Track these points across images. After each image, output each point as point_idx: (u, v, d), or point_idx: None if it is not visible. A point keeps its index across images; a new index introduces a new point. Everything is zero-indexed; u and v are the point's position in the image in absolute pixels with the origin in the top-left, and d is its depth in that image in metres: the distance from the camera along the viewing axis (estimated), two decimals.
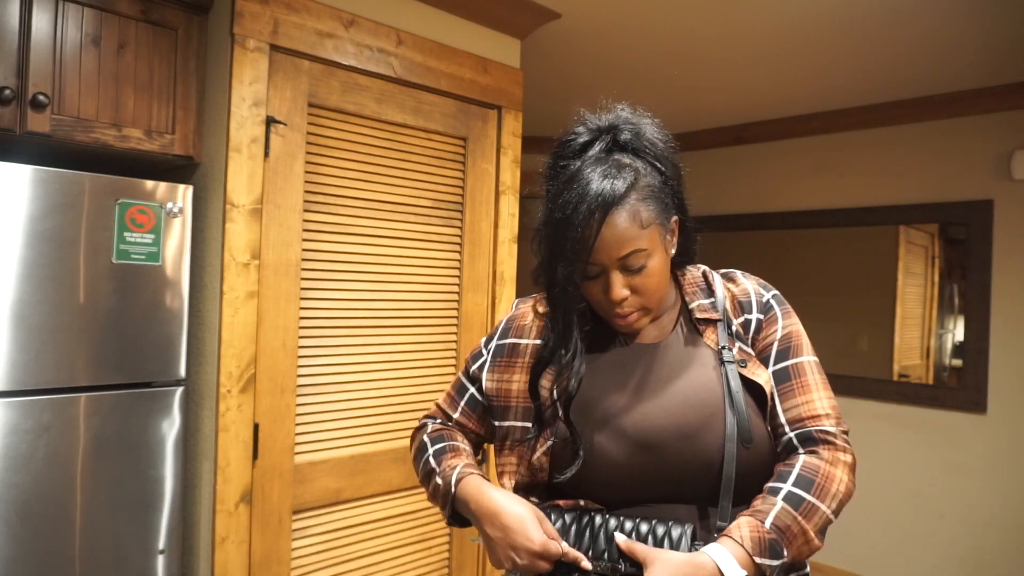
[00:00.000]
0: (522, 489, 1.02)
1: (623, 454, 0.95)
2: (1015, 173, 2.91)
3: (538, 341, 1.05)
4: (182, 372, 1.72)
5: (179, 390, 1.71)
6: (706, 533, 0.94)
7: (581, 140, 1.01)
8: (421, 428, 1.16)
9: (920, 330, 3.24)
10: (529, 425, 1.02)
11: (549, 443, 0.98)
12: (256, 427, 1.77)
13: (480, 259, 2.27)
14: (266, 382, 1.79)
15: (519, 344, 1.07)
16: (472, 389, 1.12)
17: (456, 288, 2.22)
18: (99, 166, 1.83)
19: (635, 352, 1.03)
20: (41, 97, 1.51)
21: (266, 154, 1.77)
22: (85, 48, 1.60)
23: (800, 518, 0.88)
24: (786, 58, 2.69)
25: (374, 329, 2.02)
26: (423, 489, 1.10)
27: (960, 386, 3.07)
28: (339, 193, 1.93)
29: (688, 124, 3.81)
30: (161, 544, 1.68)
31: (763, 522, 0.86)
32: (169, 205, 1.68)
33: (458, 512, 1.01)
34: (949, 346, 3.14)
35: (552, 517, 0.95)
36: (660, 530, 0.91)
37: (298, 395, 1.86)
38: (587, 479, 0.97)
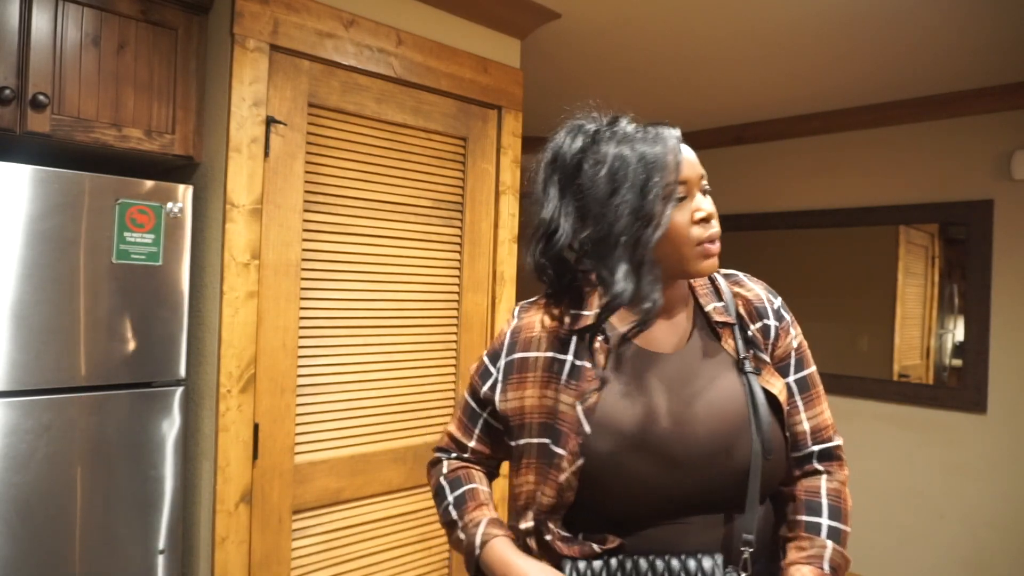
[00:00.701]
0: (545, 512, 0.97)
1: (654, 471, 0.94)
2: (1015, 173, 2.91)
3: (549, 353, 1.01)
4: (182, 372, 1.72)
5: (179, 390, 1.71)
6: (729, 543, 0.95)
7: (602, 120, 1.02)
8: (435, 464, 1.13)
9: (920, 330, 3.24)
10: (547, 441, 0.97)
11: (579, 462, 0.94)
12: (256, 427, 1.77)
13: (480, 259, 2.27)
14: (266, 382, 1.79)
15: (528, 358, 1.03)
16: (484, 414, 1.08)
17: (456, 288, 2.22)
18: (99, 166, 1.83)
19: (657, 363, 1.00)
20: (41, 97, 1.51)
21: (266, 154, 1.77)
22: (85, 48, 1.60)
23: (843, 550, 0.97)
24: (786, 58, 2.69)
25: (374, 329, 2.02)
26: (440, 527, 1.09)
27: (960, 386, 3.07)
28: (339, 193, 1.93)
29: (688, 124, 3.81)
30: (161, 544, 1.68)
31: (823, 568, 0.94)
32: (169, 205, 1.68)
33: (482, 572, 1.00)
34: (949, 346, 3.14)
35: (581, 569, 0.93)
36: (691, 565, 0.90)
37: (298, 395, 1.86)
38: (616, 496, 0.95)
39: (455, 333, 2.22)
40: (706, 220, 0.97)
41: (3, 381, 1.45)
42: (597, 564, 0.93)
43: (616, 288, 0.91)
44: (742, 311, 1.06)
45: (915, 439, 3.18)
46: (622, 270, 0.92)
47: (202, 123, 1.80)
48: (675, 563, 0.90)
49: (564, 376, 0.98)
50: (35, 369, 1.49)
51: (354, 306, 1.97)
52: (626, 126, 0.98)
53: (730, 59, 2.73)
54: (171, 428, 1.70)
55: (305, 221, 1.86)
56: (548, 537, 0.97)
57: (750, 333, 1.04)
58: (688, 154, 0.97)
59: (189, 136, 1.77)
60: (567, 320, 1.02)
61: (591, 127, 1.00)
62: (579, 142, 0.99)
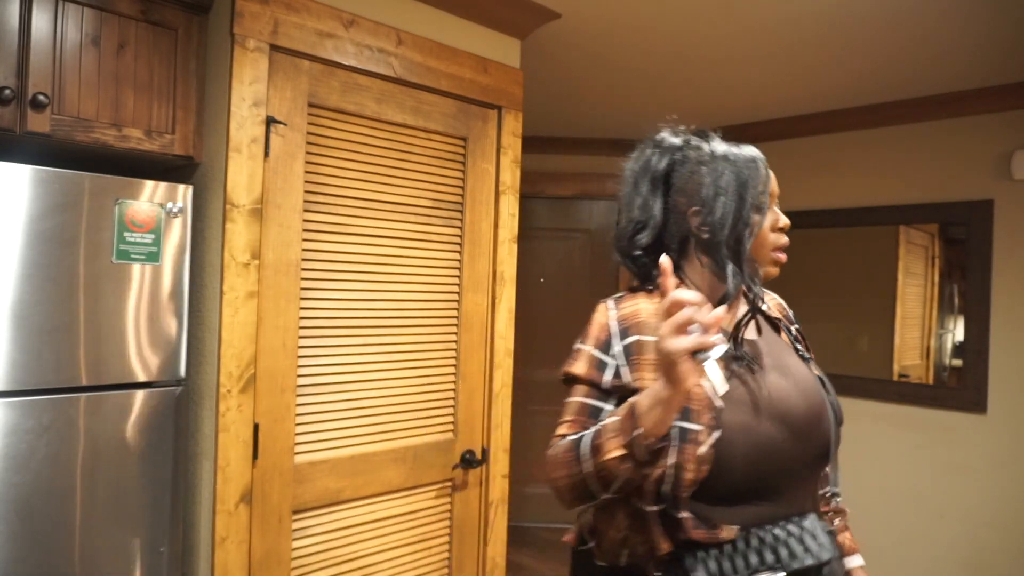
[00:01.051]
0: (685, 487, 1.00)
1: (779, 438, 1.05)
2: (1015, 173, 2.91)
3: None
4: (182, 372, 1.72)
5: (179, 390, 1.71)
6: (814, 503, 1.12)
7: (687, 134, 1.22)
8: (554, 448, 1.07)
9: (920, 330, 3.24)
10: (676, 418, 0.99)
11: (716, 434, 1.00)
12: (256, 427, 1.77)
13: (480, 259, 2.27)
14: (266, 382, 1.79)
15: (643, 342, 1.08)
16: (608, 406, 1.07)
17: (456, 288, 2.22)
18: (99, 166, 1.83)
19: (753, 346, 1.13)
20: (41, 97, 1.51)
21: (266, 154, 1.77)
22: (85, 48, 1.60)
23: None
24: (786, 58, 2.69)
25: (374, 329, 2.02)
26: (588, 472, 0.99)
27: (960, 386, 3.07)
28: (339, 193, 1.93)
29: (688, 124, 3.81)
30: (161, 544, 1.68)
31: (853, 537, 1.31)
32: (169, 205, 1.68)
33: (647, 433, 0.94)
34: (949, 346, 3.14)
35: (705, 560, 1.00)
36: (800, 531, 1.05)
37: (298, 395, 1.86)
38: (750, 463, 1.02)
39: (455, 333, 2.22)
40: (783, 230, 1.17)
41: (3, 381, 1.45)
42: (719, 551, 1.02)
43: (729, 282, 1.08)
44: (778, 313, 1.26)
45: (915, 439, 3.18)
46: (730, 267, 1.09)
47: (202, 123, 1.81)
48: (792, 527, 1.04)
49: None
50: (35, 369, 1.49)
51: (354, 306, 1.97)
52: (719, 141, 1.17)
53: (730, 59, 2.73)
54: (171, 428, 1.70)
55: (305, 221, 1.86)
56: (682, 515, 1.01)
57: (793, 331, 1.24)
58: (771, 172, 1.16)
59: (189, 136, 1.77)
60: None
61: (677, 140, 1.20)
62: (668, 153, 1.18)
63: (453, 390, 2.22)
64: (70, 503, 1.54)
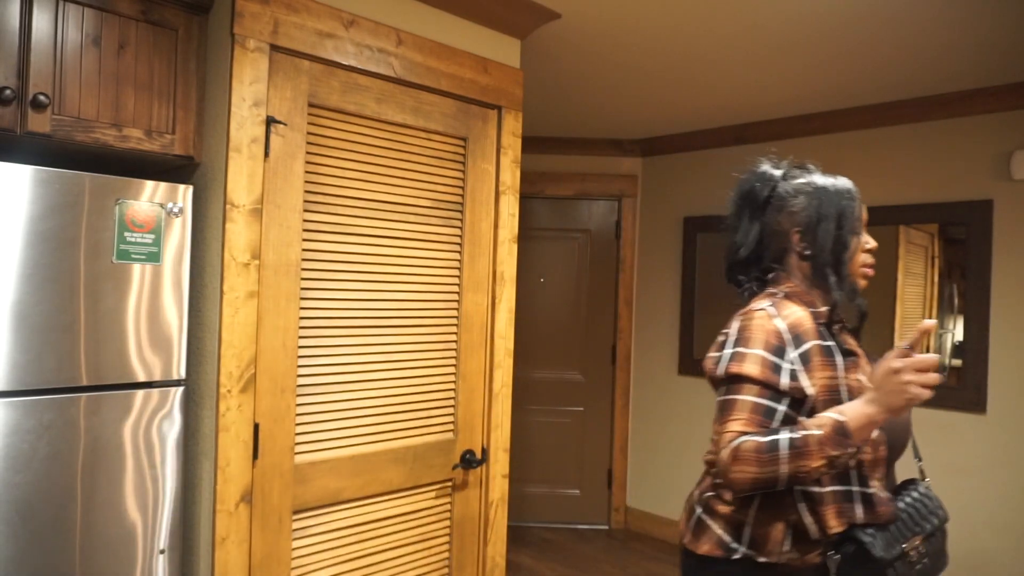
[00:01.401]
0: (867, 467, 1.27)
1: (907, 421, 1.34)
2: (1015, 173, 2.91)
3: (818, 341, 1.26)
4: (182, 372, 1.72)
5: (179, 390, 1.71)
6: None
7: (800, 168, 1.42)
8: (737, 446, 1.16)
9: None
10: None
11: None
12: (256, 427, 1.77)
13: (480, 259, 2.27)
14: (266, 382, 1.79)
15: (812, 346, 1.26)
16: (783, 407, 1.21)
17: (456, 288, 2.22)
18: (99, 166, 1.83)
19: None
20: (42, 97, 1.51)
21: (266, 154, 1.77)
22: (85, 48, 1.60)
23: None
24: (786, 58, 2.69)
25: (374, 329, 2.02)
26: (783, 472, 1.14)
27: (960, 386, 3.07)
28: (339, 193, 1.93)
29: (688, 124, 3.81)
30: (161, 544, 1.68)
31: None
32: (169, 205, 1.68)
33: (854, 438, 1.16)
34: (949, 346, 3.14)
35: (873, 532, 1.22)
36: (920, 495, 1.33)
37: (298, 395, 1.86)
38: (898, 444, 1.32)
39: (455, 333, 2.22)
40: (871, 251, 1.36)
41: (4, 381, 1.45)
42: (907, 500, 1.30)
43: (835, 293, 1.30)
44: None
45: (915, 439, 3.18)
46: (832, 280, 1.31)
47: (202, 123, 1.81)
48: (914, 492, 1.32)
49: (840, 357, 1.27)
50: (36, 369, 1.49)
51: (354, 306, 1.97)
52: (819, 173, 1.38)
53: (730, 59, 2.73)
54: (171, 428, 1.70)
55: (305, 221, 1.86)
56: (871, 490, 1.25)
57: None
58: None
59: (189, 136, 1.77)
60: (821, 313, 1.31)
61: (778, 172, 1.40)
62: (769, 183, 1.39)
63: (453, 390, 2.22)
64: (70, 503, 1.54)
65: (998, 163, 2.98)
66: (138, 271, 1.64)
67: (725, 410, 1.22)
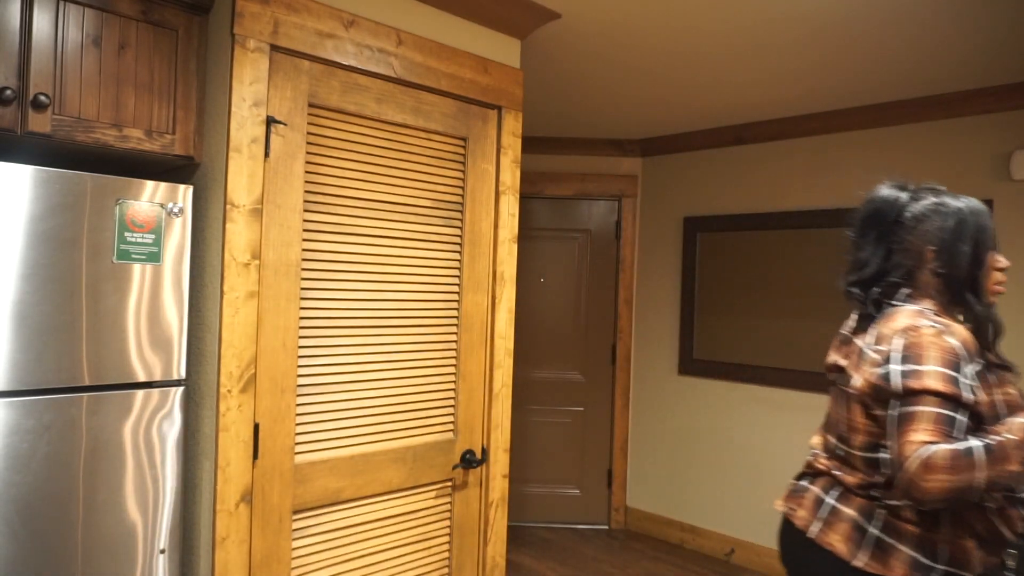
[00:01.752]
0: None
1: None
2: (1014, 173, 2.91)
3: (979, 358, 1.32)
4: (182, 372, 1.72)
5: (179, 390, 1.71)
6: None
7: (929, 188, 1.48)
8: (929, 455, 1.16)
9: None
10: None
11: None
12: (256, 427, 1.77)
13: (480, 259, 2.27)
14: (266, 382, 1.79)
15: (979, 363, 1.32)
16: (963, 418, 1.23)
17: (456, 288, 2.22)
18: (100, 166, 1.83)
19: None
20: (42, 97, 1.51)
21: (266, 154, 1.77)
22: (86, 48, 1.60)
23: None
24: (786, 58, 2.70)
25: (374, 329, 2.02)
26: (980, 478, 1.16)
27: None
28: (339, 193, 1.93)
29: (688, 124, 3.82)
30: (161, 544, 1.69)
31: None
32: (170, 205, 1.68)
33: None
34: None
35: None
36: None
37: (298, 395, 1.86)
38: None
39: (455, 333, 2.22)
40: (1002, 269, 1.44)
41: (4, 381, 1.46)
42: None
43: (976, 309, 1.38)
44: None
45: None
46: (972, 299, 1.38)
47: (202, 123, 1.81)
48: None
49: (993, 373, 1.34)
50: (36, 369, 1.49)
51: (354, 306, 1.98)
52: (950, 195, 1.43)
53: (730, 59, 2.73)
54: (171, 428, 1.70)
55: (305, 221, 1.86)
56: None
57: None
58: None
59: (189, 136, 1.78)
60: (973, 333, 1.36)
61: (904, 196, 1.45)
62: (895, 206, 1.45)
63: (453, 390, 2.22)
64: (71, 503, 1.54)
65: (998, 163, 2.99)
66: (138, 271, 1.64)
67: (905, 422, 1.21)
